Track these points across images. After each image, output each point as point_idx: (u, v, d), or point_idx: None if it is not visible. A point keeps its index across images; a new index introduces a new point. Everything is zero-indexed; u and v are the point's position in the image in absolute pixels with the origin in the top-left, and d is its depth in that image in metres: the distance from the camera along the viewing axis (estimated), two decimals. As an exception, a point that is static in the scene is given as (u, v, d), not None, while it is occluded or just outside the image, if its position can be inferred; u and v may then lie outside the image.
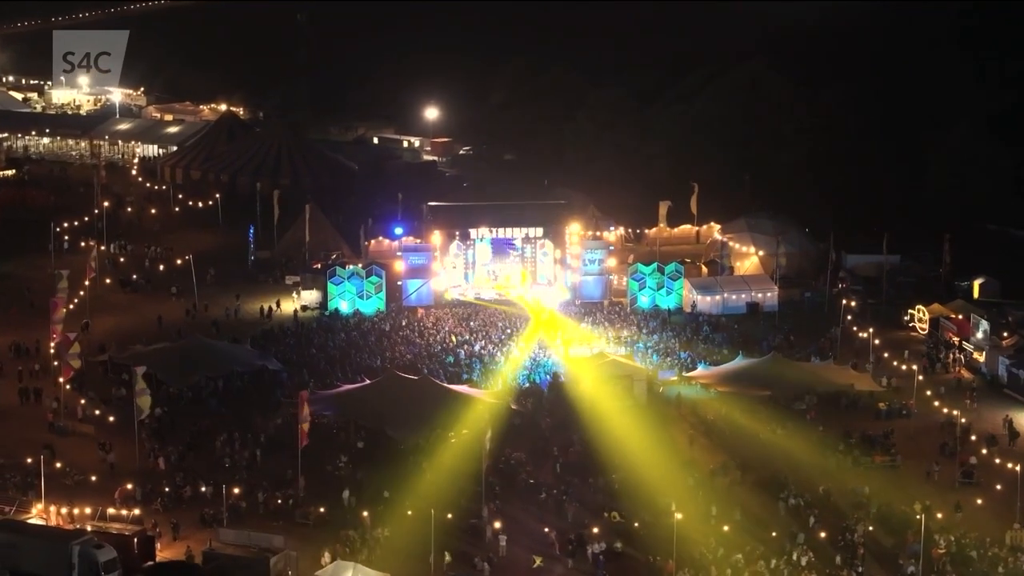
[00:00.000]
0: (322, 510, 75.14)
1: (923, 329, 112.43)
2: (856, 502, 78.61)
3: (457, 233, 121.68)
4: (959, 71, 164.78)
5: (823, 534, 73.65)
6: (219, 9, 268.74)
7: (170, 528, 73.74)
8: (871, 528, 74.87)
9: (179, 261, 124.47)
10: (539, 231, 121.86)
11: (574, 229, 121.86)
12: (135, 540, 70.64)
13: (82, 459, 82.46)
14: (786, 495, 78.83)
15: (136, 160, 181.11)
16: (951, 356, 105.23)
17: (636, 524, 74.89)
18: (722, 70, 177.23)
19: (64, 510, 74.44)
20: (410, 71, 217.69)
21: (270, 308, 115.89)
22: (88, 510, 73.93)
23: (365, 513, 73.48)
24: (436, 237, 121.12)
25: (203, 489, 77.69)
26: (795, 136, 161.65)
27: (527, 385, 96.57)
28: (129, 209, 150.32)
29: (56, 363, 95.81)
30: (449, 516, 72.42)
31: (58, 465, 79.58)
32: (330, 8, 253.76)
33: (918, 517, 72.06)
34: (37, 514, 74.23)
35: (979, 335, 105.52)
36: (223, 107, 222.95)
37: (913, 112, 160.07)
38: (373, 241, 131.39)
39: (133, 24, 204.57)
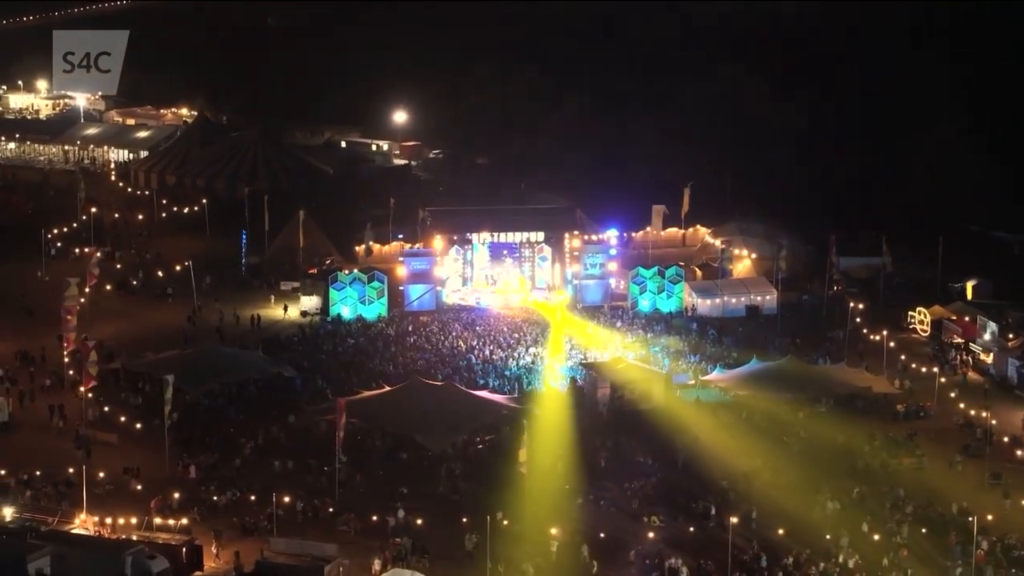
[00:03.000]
0: (375, 518, 74.67)
1: (924, 331, 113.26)
2: (893, 504, 79.11)
3: (455, 238, 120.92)
4: (940, 74, 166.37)
5: (877, 536, 74.03)
6: (174, 11, 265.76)
7: (212, 537, 73.15)
8: (924, 531, 75.38)
9: (178, 267, 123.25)
10: (540, 235, 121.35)
11: (576, 233, 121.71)
12: (183, 550, 70.05)
13: (109, 469, 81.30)
14: (824, 498, 79.17)
15: (113, 165, 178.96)
16: (959, 358, 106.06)
17: (692, 529, 75.02)
18: (699, 73, 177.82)
19: (108, 520, 73.60)
20: (375, 74, 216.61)
21: (258, 317, 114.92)
22: (134, 520, 73.20)
23: (420, 520, 73.20)
24: (438, 242, 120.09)
25: (252, 498, 77.12)
26: (775, 139, 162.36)
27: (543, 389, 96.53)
28: (116, 215, 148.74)
29: (71, 371, 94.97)
30: (505, 523, 72.19)
31: (101, 475, 78.74)
32: (289, 9, 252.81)
33: (969, 519, 72.62)
34: (80, 524, 73.34)
35: (987, 336, 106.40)
36: (184, 111, 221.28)
37: (893, 115, 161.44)
38: (364, 246, 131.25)
39: (85, 27, 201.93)
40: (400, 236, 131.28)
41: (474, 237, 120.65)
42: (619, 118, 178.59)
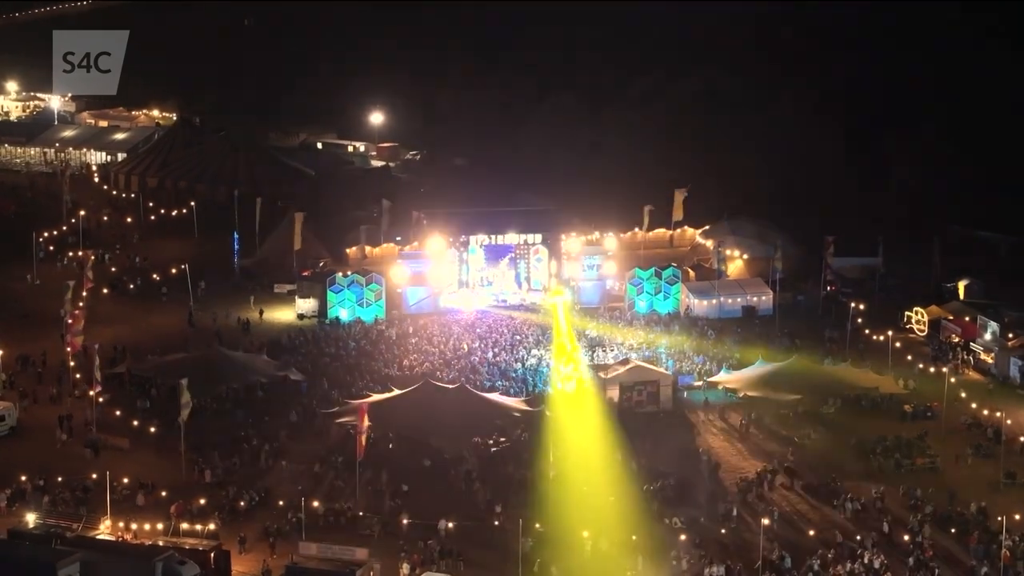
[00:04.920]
0: (405, 521, 74.34)
1: (921, 331, 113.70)
2: (911, 504, 79.39)
3: (450, 239, 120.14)
4: (919, 74, 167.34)
5: (906, 537, 74.35)
6: (143, 11, 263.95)
7: (237, 542, 72.74)
8: (952, 530, 75.69)
9: (173, 270, 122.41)
10: (537, 237, 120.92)
11: (572, 234, 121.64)
12: (212, 555, 69.59)
13: (123, 473, 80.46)
14: (842, 499, 79.42)
15: (95, 168, 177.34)
16: (960, 358, 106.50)
17: (723, 531, 75.11)
18: (677, 73, 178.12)
19: (134, 525, 73.07)
20: (349, 75, 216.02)
21: (247, 321, 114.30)
22: (160, 526, 72.69)
23: (451, 524, 72.95)
24: (434, 244, 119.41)
25: (280, 503, 76.72)
26: (755, 139, 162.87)
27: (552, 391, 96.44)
28: (105, 218, 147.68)
29: (78, 375, 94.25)
30: (538, 526, 72.13)
31: (125, 480, 78.12)
32: (261, 9, 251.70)
33: (999, 519, 73.00)
34: (106, 530, 72.75)
35: (987, 336, 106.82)
36: (156, 112, 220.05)
37: (873, 115, 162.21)
38: (355, 248, 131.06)
39: (58, 27, 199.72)
40: (398, 238, 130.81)
41: (472, 239, 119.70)
42: (603, 117, 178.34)
